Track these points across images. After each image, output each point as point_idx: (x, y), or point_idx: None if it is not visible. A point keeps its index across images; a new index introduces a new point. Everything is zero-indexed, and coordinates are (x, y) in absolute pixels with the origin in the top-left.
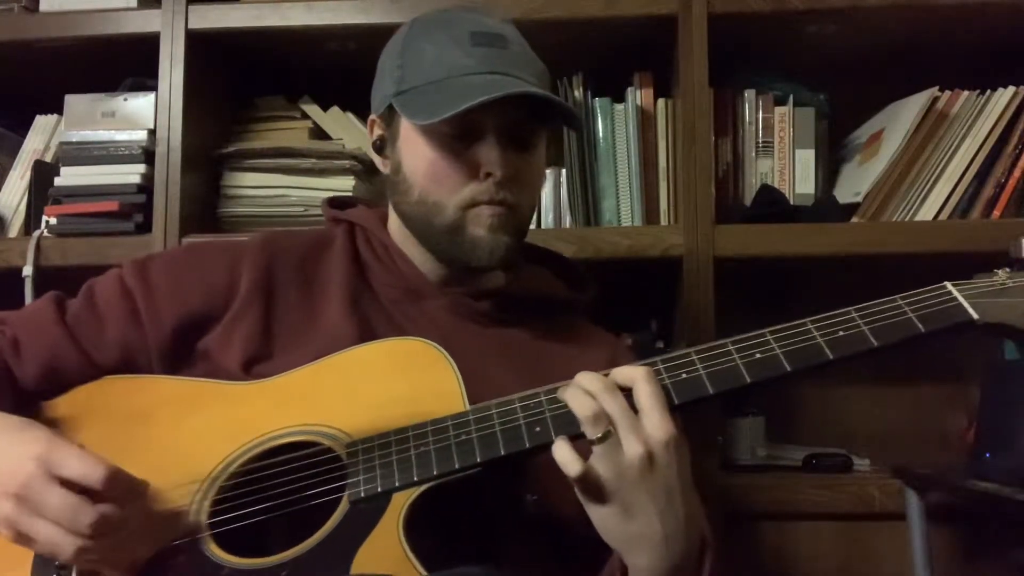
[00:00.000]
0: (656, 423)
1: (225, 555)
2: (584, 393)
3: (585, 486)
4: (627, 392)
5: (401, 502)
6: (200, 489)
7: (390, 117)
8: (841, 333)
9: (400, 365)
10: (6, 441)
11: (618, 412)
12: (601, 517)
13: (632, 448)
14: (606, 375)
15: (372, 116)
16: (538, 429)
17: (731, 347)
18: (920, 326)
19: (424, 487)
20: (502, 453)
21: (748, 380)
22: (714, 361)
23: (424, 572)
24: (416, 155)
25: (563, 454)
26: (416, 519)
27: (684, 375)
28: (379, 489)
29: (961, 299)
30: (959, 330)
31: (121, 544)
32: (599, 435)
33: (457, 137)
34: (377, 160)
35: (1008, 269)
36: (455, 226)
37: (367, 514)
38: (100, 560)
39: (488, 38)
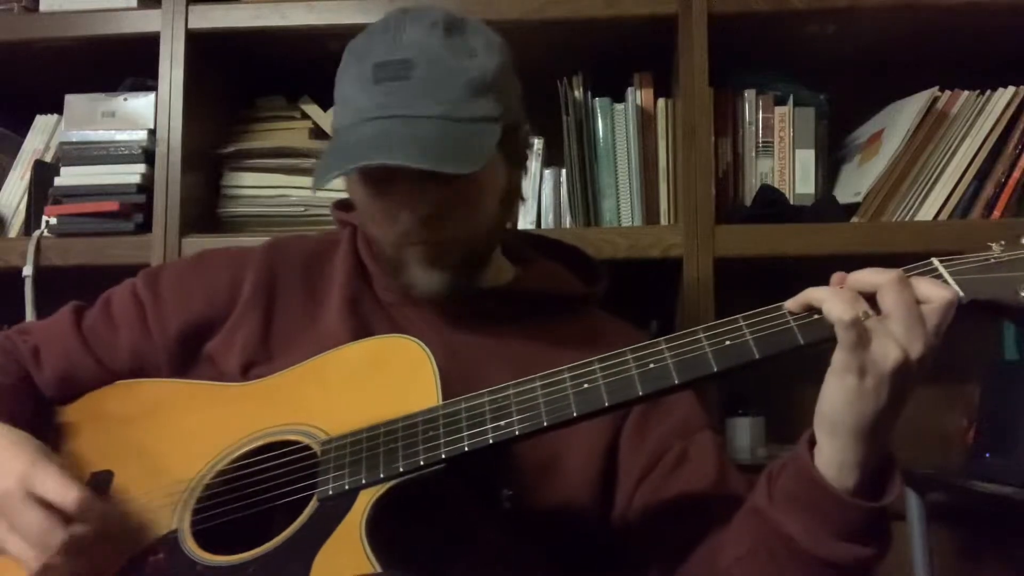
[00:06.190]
0: (927, 332)
1: (202, 553)
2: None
3: (847, 338)
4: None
5: (366, 500)
6: (187, 488)
7: None
8: (816, 316)
9: (380, 362)
10: None
11: (903, 308)
12: (837, 376)
13: (899, 345)
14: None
15: None
16: (502, 423)
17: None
18: None
19: (389, 485)
20: (466, 449)
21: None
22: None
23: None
24: (353, 194)
25: (839, 298)
26: (382, 517)
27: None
28: (345, 487)
29: (946, 275)
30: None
31: (90, 561)
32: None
33: (375, 179)
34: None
35: (1003, 242)
36: (396, 262)
37: (332, 512)
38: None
39: (390, 69)
